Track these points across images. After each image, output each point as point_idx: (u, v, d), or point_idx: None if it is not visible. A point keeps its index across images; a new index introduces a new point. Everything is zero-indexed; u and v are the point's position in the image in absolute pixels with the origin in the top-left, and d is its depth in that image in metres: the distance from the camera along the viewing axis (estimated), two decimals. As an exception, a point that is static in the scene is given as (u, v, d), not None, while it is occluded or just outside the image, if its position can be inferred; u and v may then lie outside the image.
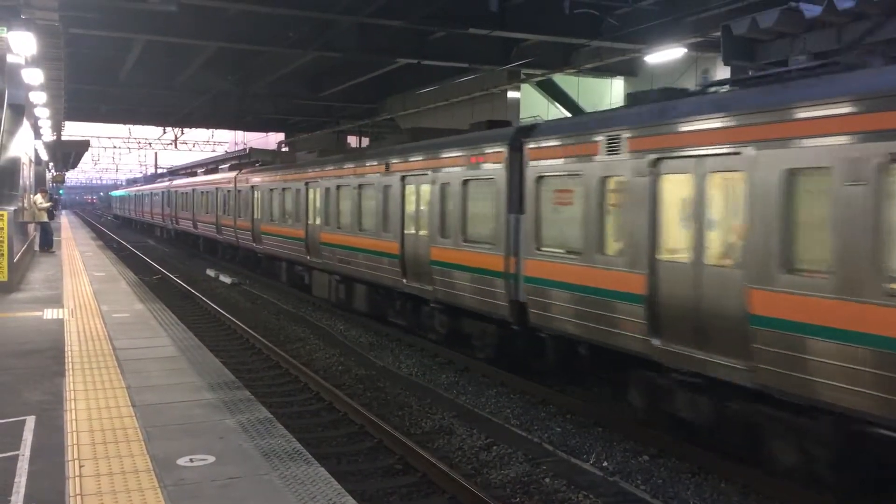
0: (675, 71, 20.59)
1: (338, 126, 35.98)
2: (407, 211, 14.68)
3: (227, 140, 68.47)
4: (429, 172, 13.79)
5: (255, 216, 25.22)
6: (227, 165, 34.04)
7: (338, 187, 17.87)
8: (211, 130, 59.89)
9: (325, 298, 19.08)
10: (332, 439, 9.53)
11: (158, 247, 42.20)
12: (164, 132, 55.00)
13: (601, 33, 17.99)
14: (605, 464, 8.67)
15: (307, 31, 19.06)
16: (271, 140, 50.95)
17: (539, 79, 23.41)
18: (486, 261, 11.94)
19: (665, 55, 16.82)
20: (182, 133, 55.79)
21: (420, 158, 14.24)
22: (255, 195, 25.33)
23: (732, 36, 9.08)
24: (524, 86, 24.63)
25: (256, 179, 25.46)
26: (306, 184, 20.11)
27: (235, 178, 28.30)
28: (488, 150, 12.05)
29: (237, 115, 35.11)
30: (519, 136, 11.45)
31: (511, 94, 24.56)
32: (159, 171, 77.14)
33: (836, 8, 8.02)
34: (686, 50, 16.77)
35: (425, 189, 13.91)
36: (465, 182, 12.68)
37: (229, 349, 14.67)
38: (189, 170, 55.20)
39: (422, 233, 14.00)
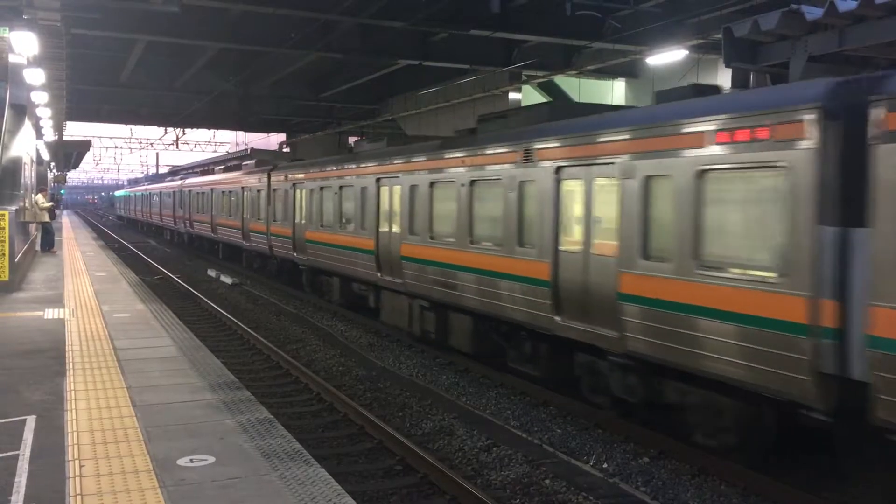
0: (677, 72, 20.59)
1: (339, 127, 36.01)
2: (571, 216, 10.19)
3: (229, 141, 68.51)
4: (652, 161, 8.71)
5: (298, 220, 21.30)
6: (252, 162, 29.24)
7: (432, 184, 13.62)
8: (212, 131, 59.93)
9: (401, 328, 15.13)
10: (333, 440, 9.54)
11: (160, 247, 42.23)
12: (166, 132, 55.04)
13: (603, 35, 18.00)
14: (605, 465, 8.67)
15: (309, 32, 19.08)
16: (272, 141, 50.97)
17: (540, 80, 23.41)
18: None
19: (666, 57, 16.84)
20: (184, 133, 55.84)
21: (623, 137, 9.13)
22: (298, 195, 21.32)
23: (734, 38, 9.07)
24: (525, 87, 24.63)
25: (299, 175, 21.34)
26: (378, 180, 15.94)
27: (269, 174, 24.18)
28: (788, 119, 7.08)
29: (239, 115, 35.14)
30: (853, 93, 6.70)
31: (512, 96, 24.56)
32: (170, 167, 73.01)
33: (837, 10, 8.02)
34: (687, 52, 16.78)
35: (635, 186, 8.93)
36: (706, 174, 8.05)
37: (230, 349, 14.68)
38: (205, 167, 48.32)
39: (607, 250, 9.40)
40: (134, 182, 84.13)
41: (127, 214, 70.93)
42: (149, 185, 59.39)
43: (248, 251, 27.34)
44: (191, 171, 54.19)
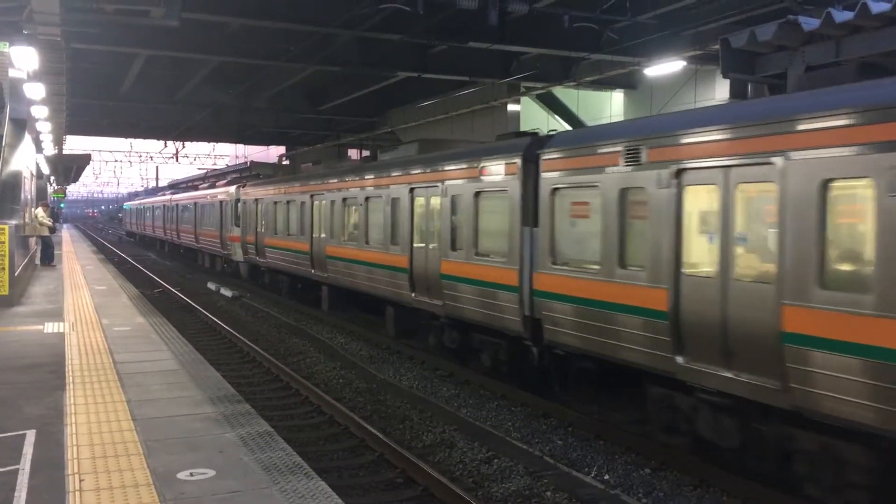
0: (675, 84, 20.67)
1: (339, 139, 36.08)
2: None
3: (228, 153, 68.64)
4: None
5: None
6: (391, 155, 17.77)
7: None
8: (212, 144, 60.04)
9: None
10: (333, 453, 9.51)
11: (160, 260, 42.22)
12: (166, 146, 55.16)
13: (601, 47, 18.07)
14: (606, 477, 8.65)
15: (308, 45, 19.15)
16: (272, 153, 51.08)
17: (539, 92, 23.50)
18: None
19: (664, 68, 16.90)
20: (183, 147, 55.96)
21: None
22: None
23: (731, 49, 9.11)
24: (524, 99, 24.73)
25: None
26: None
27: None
28: None
29: (238, 128, 35.24)
30: None
31: (511, 107, 24.65)
32: (207, 170, 60.27)
33: (834, 21, 8.05)
34: (685, 63, 16.85)
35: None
36: None
37: (230, 362, 14.66)
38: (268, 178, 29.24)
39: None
40: (150, 192, 69.12)
41: (140, 231, 58.97)
42: (172, 194, 46.47)
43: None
44: (250, 174, 36.03)
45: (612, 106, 25.53)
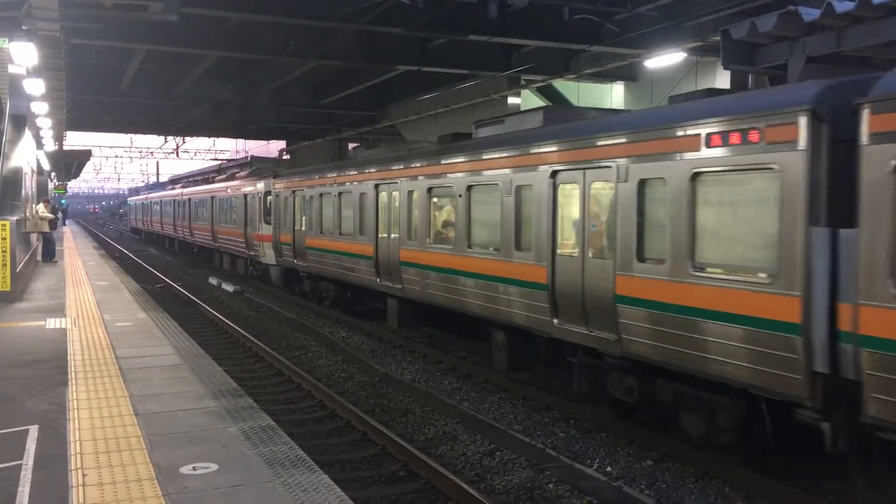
0: (676, 75, 20.62)
1: (339, 134, 36.06)
2: None
3: (229, 148, 68.59)
4: None
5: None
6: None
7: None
8: (212, 139, 60.00)
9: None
10: (336, 446, 9.52)
11: (161, 256, 42.24)
12: (166, 141, 55.11)
13: (601, 39, 18.04)
14: (608, 469, 8.66)
15: (308, 39, 19.13)
16: (273, 148, 51.05)
17: (539, 84, 23.45)
18: None
19: (665, 60, 16.87)
20: (183, 142, 55.89)
21: None
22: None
23: (732, 40, 9.10)
24: (524, 91, 24.68)
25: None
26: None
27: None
28: None
29: (238, 123, 35.22)
30: None
31: (511, 100, 24.61)
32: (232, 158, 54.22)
33: (834, 11, 8.03)
34: (686, 54, 16.81)
35: None
36: None
37: (232, 357, 14.68)
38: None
39: None
40: (158, 185, 63.51)
41: (148, 228, 53.92)
42: (188, 185, 42.72)
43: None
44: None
45: (612, 98, 25.50)
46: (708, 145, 7.79)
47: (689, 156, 8.03)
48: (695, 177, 7.95)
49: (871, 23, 8.00)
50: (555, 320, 10.24)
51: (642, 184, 8.70)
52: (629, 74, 23.30)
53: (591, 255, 9.59)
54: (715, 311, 7.72)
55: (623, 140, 8.99)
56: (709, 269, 7.88)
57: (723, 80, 18.60)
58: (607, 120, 10.13)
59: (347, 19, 16.92)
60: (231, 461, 6.09)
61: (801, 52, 8.58)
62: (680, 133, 8.18)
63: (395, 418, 10.62)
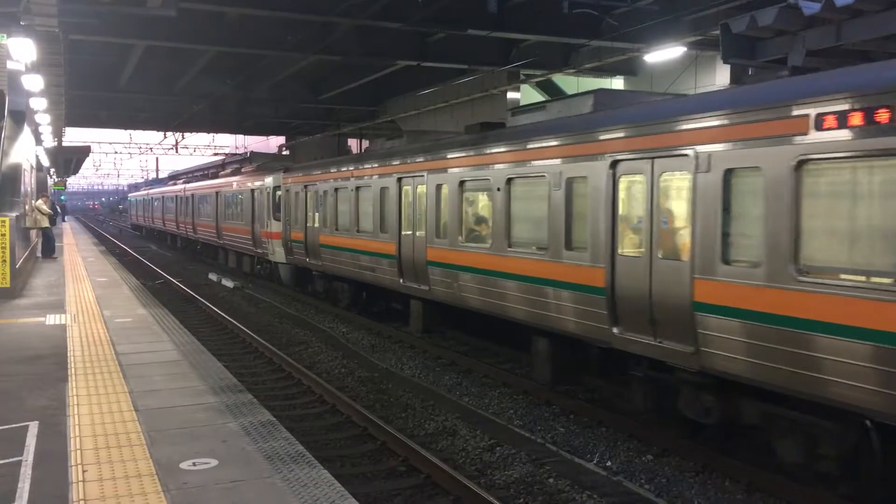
0: (675, 70, 20.59)
1: (339, 129, 36.03)
2: None
3: (228, 144, 68.52)
4: None
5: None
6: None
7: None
8: (211, 135, 59.93)
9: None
10: (336, 442, 9.53)
11: (161, 252, 42.23)
12: (165, 137, 55.01)
13: (600, 33, 18.01)
14: (608, 463, 8.67)
15: (307, 34, 19.08)
16: (272, 143, 50.99)
17: (538, 79, 23.42)
18: None
19: (664, 54, 16.83)
20: (183, 138, 55.82)
21: None
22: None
23: (731, 34, 9.05)
24: (524, 86, 24.65)
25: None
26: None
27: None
28: None
29: (238, 119, 35.17)
30: None
31: (511, 95, 24.56)
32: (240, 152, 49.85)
33: (834, 5, 8.01)
34: (685, 49, 16.78)
35: None
36: None
37: (232, 353, 14.68)
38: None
39: None
40: (161, 181, 61.14)
41: (150, 224, 52.49)
42: (196, 180, 39.65)
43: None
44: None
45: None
46: (819, 128, 6.65)
47: (794, 140, 6.85)
48: (800, 165, 6.79)
49: (870, 16, 7.97)
50: (614, 329, 9.12)
51: (728, 174, 7.57)
52: (629, 69, 23.24)
53: (660, 255, 8.48)
54: (834, 325, 6.50)
55: (705, 125, 7.84)
56: (828, 274, 6.62)
57: (722, 74, 18.60)
58: (681, 102, 8.98)
59: (346, 14, 16.88)
60: (231, 457, 6.09)
61: (801, 46, 8.55)
62: (781, 114, 7.00)
63: (395, 413, 10.63)
